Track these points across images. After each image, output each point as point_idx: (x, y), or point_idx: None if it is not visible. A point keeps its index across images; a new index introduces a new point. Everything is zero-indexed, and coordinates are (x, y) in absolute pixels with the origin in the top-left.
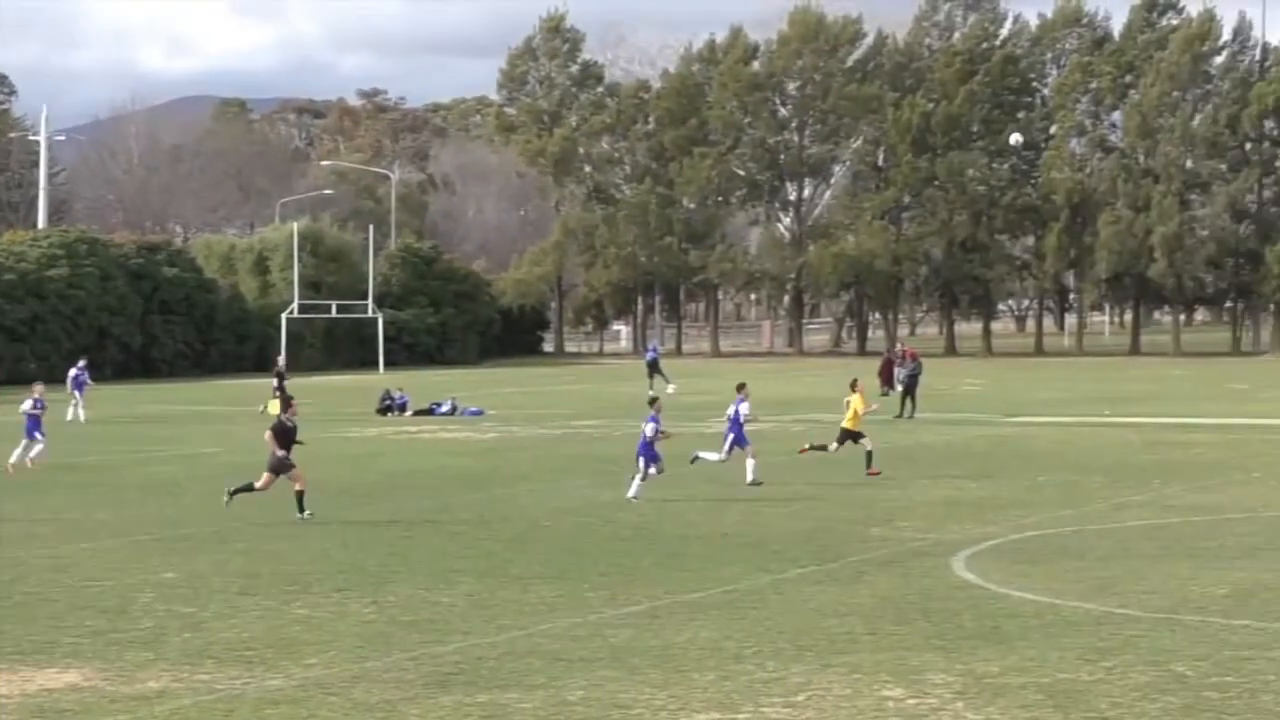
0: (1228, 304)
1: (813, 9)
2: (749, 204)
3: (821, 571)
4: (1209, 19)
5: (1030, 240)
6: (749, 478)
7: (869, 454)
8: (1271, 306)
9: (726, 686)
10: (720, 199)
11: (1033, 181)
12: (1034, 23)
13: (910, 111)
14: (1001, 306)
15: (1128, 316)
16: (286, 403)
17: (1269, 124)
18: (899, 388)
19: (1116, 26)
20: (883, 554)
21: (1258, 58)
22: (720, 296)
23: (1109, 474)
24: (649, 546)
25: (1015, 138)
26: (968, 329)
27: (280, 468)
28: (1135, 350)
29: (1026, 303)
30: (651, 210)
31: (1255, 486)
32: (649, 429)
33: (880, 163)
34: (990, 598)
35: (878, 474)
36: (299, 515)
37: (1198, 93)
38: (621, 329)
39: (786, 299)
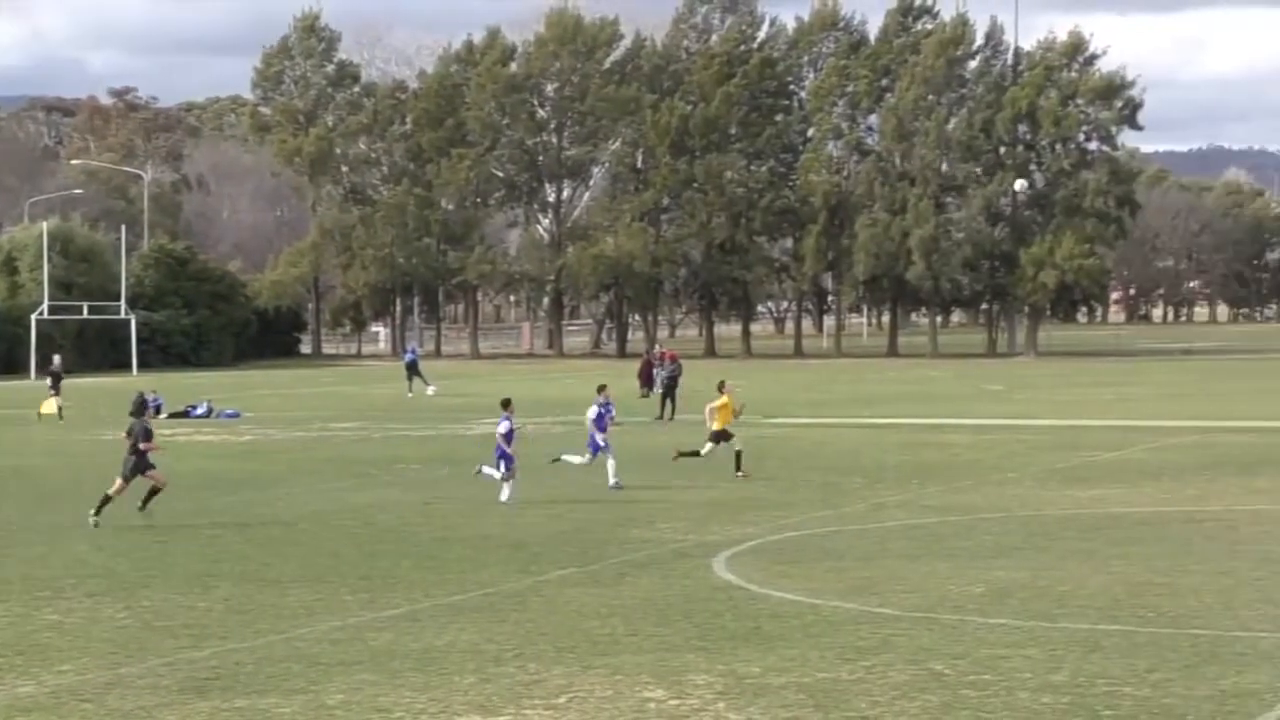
0: (983, 306)
1: (569, 11)
2: (508, 205)
3: (583, 573)
4: (962, 24)
5: (789, 242)
6: (611, 481)
7: (738, 454)
8: (1026, 309)
9: (487, 689)
10: (479, 200)
11: (790, 184)
12: (791, 26)
13: (669, 114)
14: (761, 308)
15: (885, 318)
16: (143, 407)
17: (1022, 128)
18: (659, 389)
19: (873, 30)
20: (644, 555)
21: (1010, 62)
22: (479, 298)
23: (867, 475)
24: (408, 549)
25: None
26: (727, 330)
27: (138, 469)
28: (893, 352)
29: (785, 304)
30: (409, 211)
31: (1010, 486)
32: (503, 428)
33: (639, 164)
34: (751, 598)
35: (747, 475)
36: (138, 509)
37: (952, 97)
38: (380, 331)
39: (546, 301)
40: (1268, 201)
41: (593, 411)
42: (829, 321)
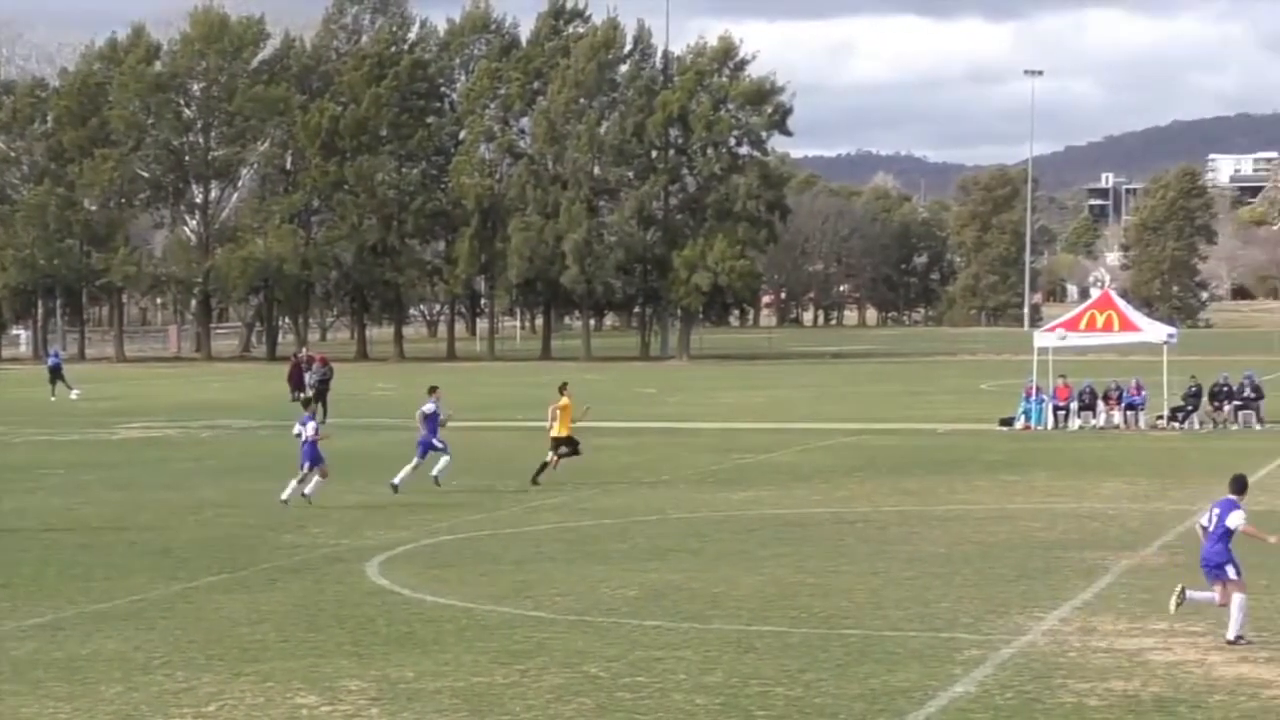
0: (637, 309)
1: (215, 9)
2: (154, 206)
3: (233, 579)
4: (613, 28)
5: (441, 245)
6: (397, 477)
7: (544, 465)
8: (679, 312)
9: (135, 698)
10: (123, 201)
11: (443, 187)
12: (442, 28)
13: (319, 115)
14: (413, 311)
15: (539, 321)
16: None
17: (674, 132)
18: (309, 393)
19: (525, 33)
20: (295, 560)
21: (660, 66)
22: (125, 300)
23: (522, 478)
24: (52, 556)
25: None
26: (380, 334)
27: None
28: (547, 355)
29: (438, 307)
30: (51, 212)
31: (664, 489)
32: (309, 429)
33: (289, 166)
34: (404, 603)
35: (539, 485)
36: None
37: (604, 100)
38: (21, 334)
39: (194, 303)
40: (915, 206)
41: (429, 407)
42: (482, 325)
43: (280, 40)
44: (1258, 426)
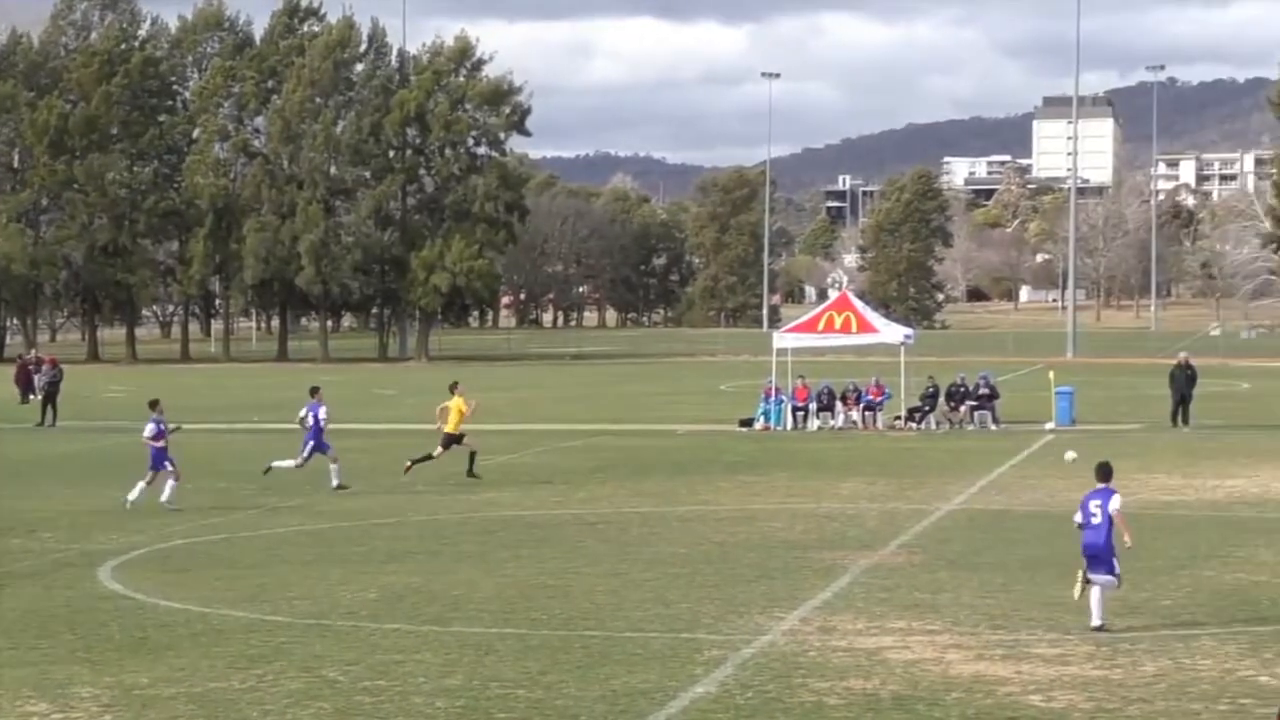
0: (375, 310)
1: None
2: None
3: None
4: (349, 27)
5: (175, 245)
6: (334, 482)
7: (472, 455)
8: (417, 313)
9: None
10: None
11: (176, 186)
12: (174, 25)
13: (47, 112)
14: (146, 312)
15: (276, 323)
16: None
17: (411, 131)
18: (39, 395)
19: (259, 31)
20: (25, 566)
21: (397, 65)
22: None
23: (258, 480)
24: None
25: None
26: (111, 335)
27: None
28: (283, 356)
29: (172, 308)
30: None
31: (403, 491)
32: (149, 430)
33: (16, 164)
34: (138, 608)
35: (479, 477)
36: None
37: (340, 99)
38: None
39: None
40: (654, 208)
41: (320, 412)
42: (217, 326)
43: (7, 36)
44: (993, 427)
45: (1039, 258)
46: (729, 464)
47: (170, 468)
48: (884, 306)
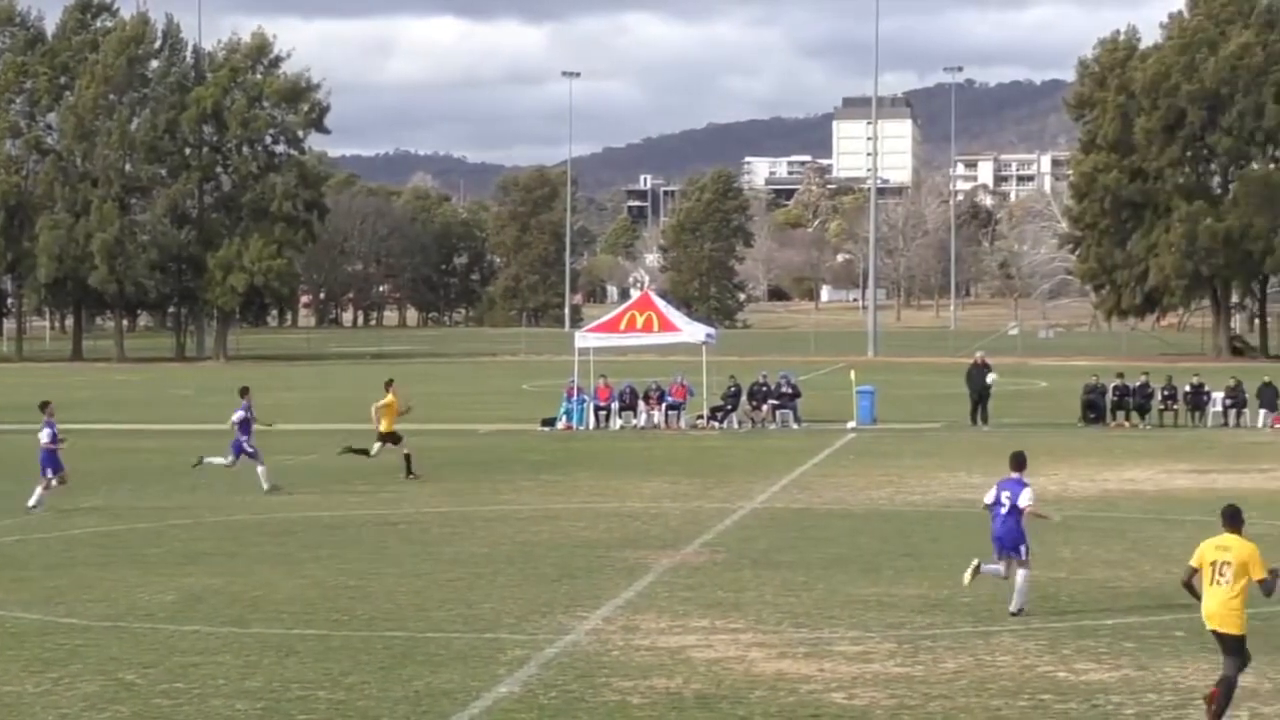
0: (171, 310)
1: None
2: None
3: None
4: (143, 23)
5: None
6: (264, 485)
7: (407, 457)
8: (215, 312)
9: None
10: None
11: None
12: None
13: None
14: None
15: (70, 322)
16: None
17: (207, 129)
18: None
19: (51, 26)
20: None
21: (192, 62)
22: None
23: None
24: None
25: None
26: None
27: None
28: (78, 356)
29: None
30: None
31: (201, 492)
32: (44, 435)
33: None
34: None
35: (419, 477)
36: None
37: (135, 96)
38: None
39: None
40: (455, 207)
41: (237, 415)
42: (9, 325)
43: None
44: (795, 425)
45: (840, 257)
46: (531, 464)
47: (54, 473)
48: (686, 306)
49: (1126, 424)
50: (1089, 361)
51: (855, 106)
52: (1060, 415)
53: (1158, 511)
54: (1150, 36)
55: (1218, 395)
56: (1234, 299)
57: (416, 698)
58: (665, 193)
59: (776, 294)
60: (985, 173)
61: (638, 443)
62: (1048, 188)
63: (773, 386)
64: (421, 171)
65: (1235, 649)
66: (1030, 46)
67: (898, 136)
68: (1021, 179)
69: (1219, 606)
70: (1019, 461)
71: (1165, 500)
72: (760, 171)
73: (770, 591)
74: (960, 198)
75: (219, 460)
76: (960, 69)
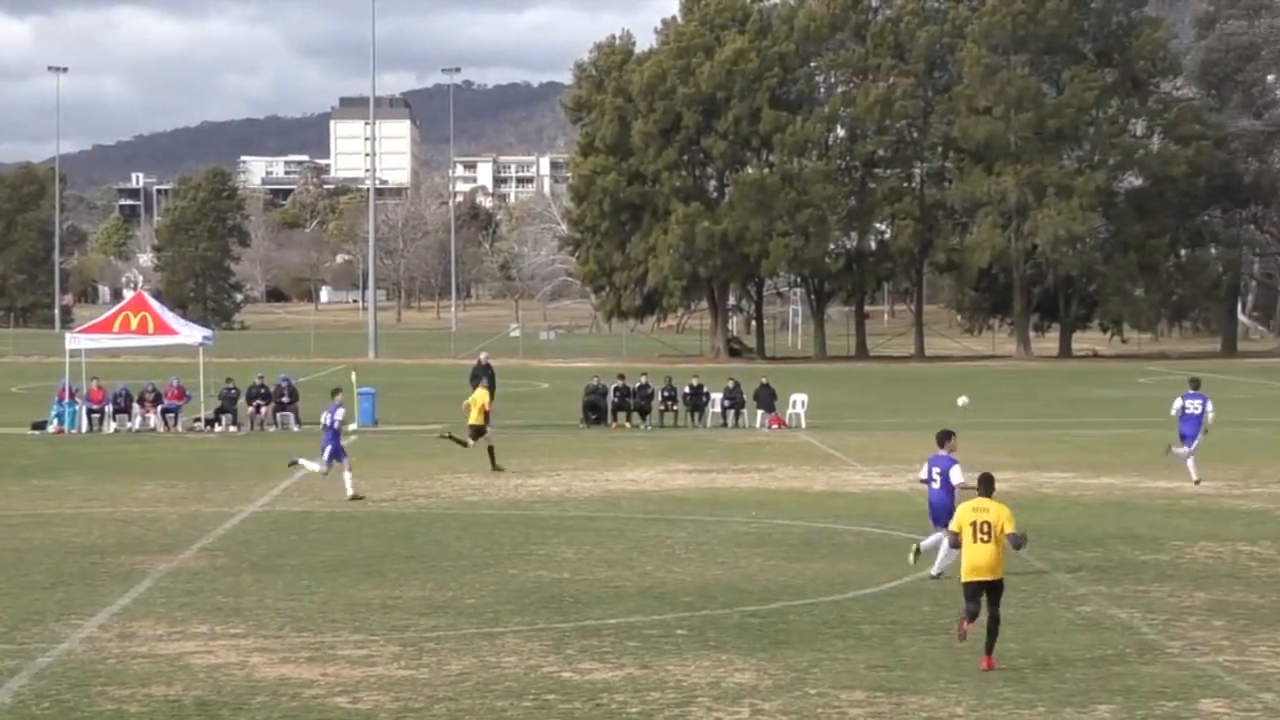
0: None
1: None
2: None
3: None
4: None
5: None
6: (348, 492)
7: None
8: None
9: None
10: None
11: None
12: None
13: None
14: None
15: None
16: None
17: None
18: None
19: None
20: None
21: None
22: None
23: None
24: None
25: (963, 400)
26: None
27: None
28: None
29: None
30: None
31: None
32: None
33: None
34: None
35: (501, 470)
36: None
37: None
38: None
39: None
40: None
41: (328, 417)
42: None
43: None
44: (296, 427)
45: (339, 258)
46: (20, 468)
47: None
48: (181, 307)
49: (628, 425)
50: (590, 363)
51: (353, 106)
52: (562, 416)
53: (660, 511)
54: (647, 41)
55: (716, 396)
56: (731, 301)
57: None
58: (159, 191)
59: (275, 295)
60: (485, 174)
61: (133, 446)
62: (547, 190)
63: (272, 389)
64: None
65: (998, 594)
66: (528, 49)
67: (396, 137)
68: (521, 181)
69: (987, 560)
70: (943, 438)
71: (667, 500)
72: (257, 171)
73: (272, 596)
74: (460, 199)
75: (313, 465)
76: (458, 70)
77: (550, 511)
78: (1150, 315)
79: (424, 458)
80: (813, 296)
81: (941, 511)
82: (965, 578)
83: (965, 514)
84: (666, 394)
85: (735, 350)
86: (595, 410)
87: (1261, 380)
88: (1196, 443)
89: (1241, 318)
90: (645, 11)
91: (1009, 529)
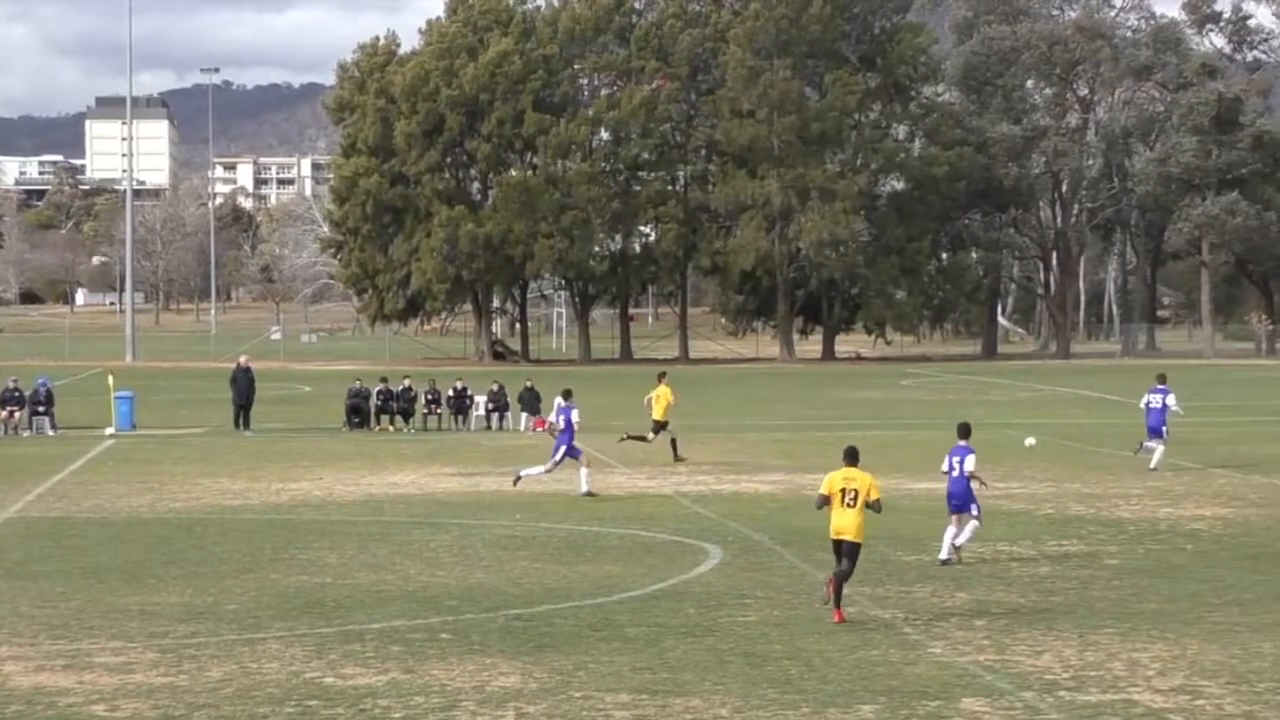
0: None
1: None
2: None
3: None
4: None
5: None
6: (583, 488)
7: (674, 441)
8: None
9: None
10: None
11: None
12: None
13: None
14: None
15: None
16: None
17: None
18: None
19: None
20: None
21: None
22: None
23: None
24: None
25: (1029, 441)
26: None
27: None
28: None
29: None
30: None
31: None
32: (573, 416)
33: None
34: None
35: (683, 460)
36: None
37: None
38: None
39: None
40: None
41: (568, 416)
42: None
43: None
44: (51, 432)
45: (96, 260)
46: None
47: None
48: None
49: (391, 428)
50: (353, 366)
51: (109, 106)
52: (325, 419)
53: (423, 515)
54: (412, 42)
55: (481, 399)
56: (495, 304)
57: None
58: None
59: (30, 297)
60: (245, 175)
61: None
62: (309, 191)
63: (29, 393)
64: None
65: (855, 553)
66: (289, 49)
67: (154, 137)
68: (282, 182)
69: (851, 522)
70: (965, 431)
71: (430, 503)
72: (10, 171)
73: (26, 603)
74: (220, 200)
75: (537, 469)
76: (218, 70)
77: (313, 515)
78: (912, 318)
79: (184, 461)
80: (577, 299)
81: (960, 498)
82: (832, 536)
83: (836, 481)
84: (430, 397)
85: (500, 353)
86: (358, 413)
87: (1020, 381)
88: (1167, 434)
89: (1002, 320)
90: (409, 13)
91: (874, 496)
